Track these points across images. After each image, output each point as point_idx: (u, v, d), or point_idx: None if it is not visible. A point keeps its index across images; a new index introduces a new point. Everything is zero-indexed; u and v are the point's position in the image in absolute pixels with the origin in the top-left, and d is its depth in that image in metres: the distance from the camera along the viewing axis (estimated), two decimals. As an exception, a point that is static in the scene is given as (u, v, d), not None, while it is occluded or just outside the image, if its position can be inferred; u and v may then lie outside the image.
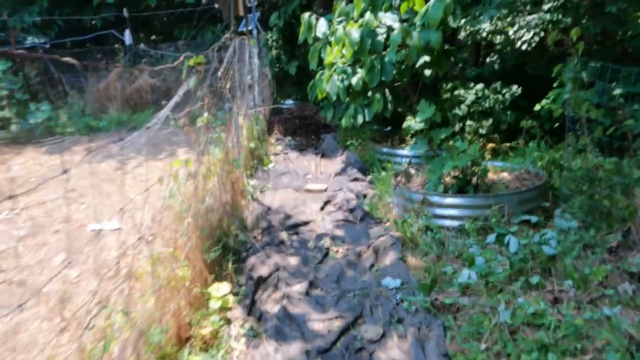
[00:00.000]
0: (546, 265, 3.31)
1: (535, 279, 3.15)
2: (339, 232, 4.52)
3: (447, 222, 4.15)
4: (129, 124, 9.46)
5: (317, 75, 6.35)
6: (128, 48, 10.27)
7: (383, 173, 5.63)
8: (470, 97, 6.34)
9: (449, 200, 4.15)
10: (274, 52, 11.54)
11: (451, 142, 5.96)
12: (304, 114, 9.50)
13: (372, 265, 3.78)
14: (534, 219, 3.99)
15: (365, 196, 5.38)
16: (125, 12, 10.28)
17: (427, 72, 5.87)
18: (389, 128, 7.29)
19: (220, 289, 3.10)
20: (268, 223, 4.71)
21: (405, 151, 6.15)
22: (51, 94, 9.70)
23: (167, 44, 10.82)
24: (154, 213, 3.06)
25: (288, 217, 4.90)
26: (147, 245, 2.86)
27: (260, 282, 3.57)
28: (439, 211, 4.19)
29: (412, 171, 5.14)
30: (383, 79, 5.65)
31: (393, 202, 4.72)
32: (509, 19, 5.66)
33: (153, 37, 13.73)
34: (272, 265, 3.78)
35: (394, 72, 5.63)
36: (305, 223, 4.79)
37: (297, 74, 11.54)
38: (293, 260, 3.96)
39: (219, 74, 4.80)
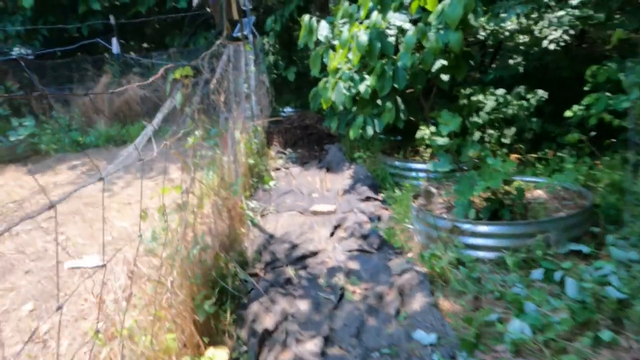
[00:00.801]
0: (616, 313, 2.71)
1: (606, 335, 2.54)
2: (354, 265, 3.91)
3: (482, 254, 3.54)
4: (118, 138, 8.85)
5: (321, 83, 5.76)
6: (116, 57, 9.67)
7: (397, 192, 5.03)
8: (490, 103, 5.74)
9: (484, 228, 3.55)
10: (271, 57, 10.97)
11: (472, 153, 5.42)
12: (304, 123, 8.91)
13: (398, 312, 3.17)
14: (585, 249, 3.39)
15: (379, 218, 4.78)
16: (111, 20, 9.69)
17: (444, 77, 5.28)
18: (399, 137, 6.69)
19: (217, 357, 2.50)
20: (272, 255, 4.10)
21: (421, 165, 5.55)
22: (35, 108, 9.10)
23: (158, 52, 10.24)
24: (130, 268, 2.45)
25: (294, 246, 4.29)
26: (124, 309, 2.25)
27: (265, 337, 2.96)
28: (472, 241, 3.59)
29: (433, 190, 4.54)
30: (395, 86, 5.06)
31: (414, 228, 4.12)
32: (534, 16, 5.09)
33: (145, 45, 13.15)
34: (278, 313, 3.17)
35: (407, 77, 5.04)
36: (314, 253, 4.18)
37: (296, 80, 10.97)
38: (303, 305, 3.35)
39: (212, 85, 4.20)
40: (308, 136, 8.43)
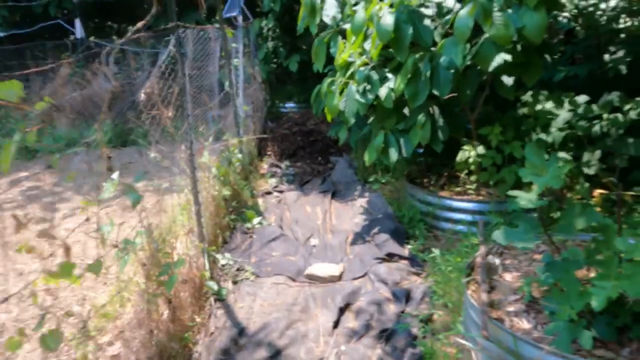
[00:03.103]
0: None
1: None
2: (372, 407, 2.31)
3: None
4: (81, 143, 7.27)
5: (325, 85, 4.10)
6: (79, 42, 8.07)
7: (436, 251, 3.38)
8: (563, 114, 4.05)
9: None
10: (269, 44, 9.27)
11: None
12: (307, 128, 7.25)
13: None
14: None
15: (409, 297, 3.16)
16: (73, -1, 8.05)
17: (507, 80, 3.60)
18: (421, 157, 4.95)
19: None
20: (237, 376, 2.52)
21: (468, 204, 3.91)
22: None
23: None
24: None
25: (276, 354, 2.69)
26: None
27: None
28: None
29: (496, 261, 2.89)
30: (435, 92, 3.40)
31: (473, 341, 2.48)
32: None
33: (115, 25, 11.36)
34: None
35: (452, 80, 3.37)
36: (307, 369, 2.59)
37: (300, 71, 9.27)
38: None
39: (143, 95, 2.59)
40: (311, 144, 6.79)
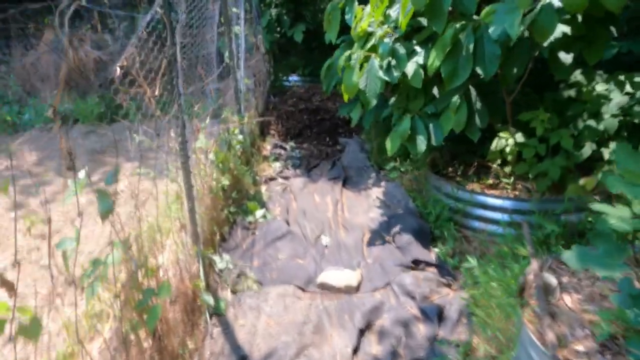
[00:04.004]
0: None
1: None
2: None
3: None
4: (66, 116, 6.66)
5: (342, 58, 3.50)
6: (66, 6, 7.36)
7: (472, 260, 2.86)
8: (616, 98, 3.48)
9: None
10: (273, 11, 8.55)
11: (584, 183, 3.39)
12: (313, 105, 6.63)
13: None
14: None
15: (441, 315, 2.66)
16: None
17: (565, 56, 3.01)
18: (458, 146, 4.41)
19: None
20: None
21: (503, 200, 3.38)
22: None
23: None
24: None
25: (284, 390, 2.21)
26: None
27: None
28: None
29: (552, 281, 2.38)
30: (478, 70, 2.82)
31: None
32: None
33: None
34: None
35: (500, 56, 2.78)
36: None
37: (305, 41, 8.58)
38: None
39: (118, 69, 2.02)
40: (318, 123, 6.19)
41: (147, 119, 2.57)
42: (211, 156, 3.58)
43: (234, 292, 2.92)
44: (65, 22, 2.18)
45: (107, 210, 1.70)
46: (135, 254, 1.94)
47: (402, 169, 4.38)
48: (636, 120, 3.43)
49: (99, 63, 6.69)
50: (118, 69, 2.00)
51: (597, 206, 1.87)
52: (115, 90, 2.03)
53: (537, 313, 2.22)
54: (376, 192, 4.29)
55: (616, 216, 1.78)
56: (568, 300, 2.36)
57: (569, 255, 1.93)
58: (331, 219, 3.90)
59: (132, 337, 1.89)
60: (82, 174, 1.92)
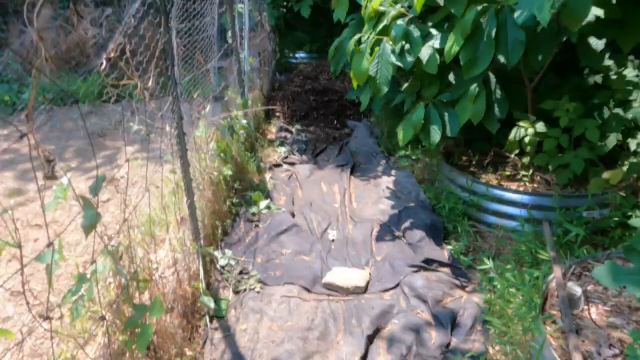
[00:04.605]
0: None
1: None
2: None
3: None
4: (67, 95, 6.48)
5: (351, 42, 3.27)
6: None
7: (488, 262, 2.69)
8: (646, 85, 3.23)
9: None
10: (279, -15, 8.20)
11: (609, 176, 3.20)
12: (320, 85, 6.38)
13: None
14: None
15: (454, 322, 2.51)
16: None
17: (597, 43, 2.76)
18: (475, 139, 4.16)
19: None
20: None
21: (523, 195, 3.18)
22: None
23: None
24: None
25: (288, 405, 2.08)
26: None
27: None
28: None
29: (577, 290, 2.20)
30: (500, 58, 2.59)
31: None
32: None
33: None
34: None
35: (526, 43, 2.55)
36: None
37: (313, 16, 8.24)
38: None
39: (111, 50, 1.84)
40: (325, 105, 5.96)
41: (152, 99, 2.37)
42: (212, 145, 3.40)
43: (236, 292, 2.79)
44: None
45: (91, 224, 1.53)
46: (126, 264, 1.79)
47: (413, 157, 4.18)
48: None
49: (98, 39, 6.45)
50: (105, 61, 1.81)
51: (635, 222, 1.67)
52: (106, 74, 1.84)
53: (561, 328, 2.06)
54: (386, 182, 4.10)
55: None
56: (593, 311, 2.19)
57: (600, 272, 1.75)
58: (339, 211, 3.73)
59: (125, 354, 1.76)
60: (65, 180, 1.76)
